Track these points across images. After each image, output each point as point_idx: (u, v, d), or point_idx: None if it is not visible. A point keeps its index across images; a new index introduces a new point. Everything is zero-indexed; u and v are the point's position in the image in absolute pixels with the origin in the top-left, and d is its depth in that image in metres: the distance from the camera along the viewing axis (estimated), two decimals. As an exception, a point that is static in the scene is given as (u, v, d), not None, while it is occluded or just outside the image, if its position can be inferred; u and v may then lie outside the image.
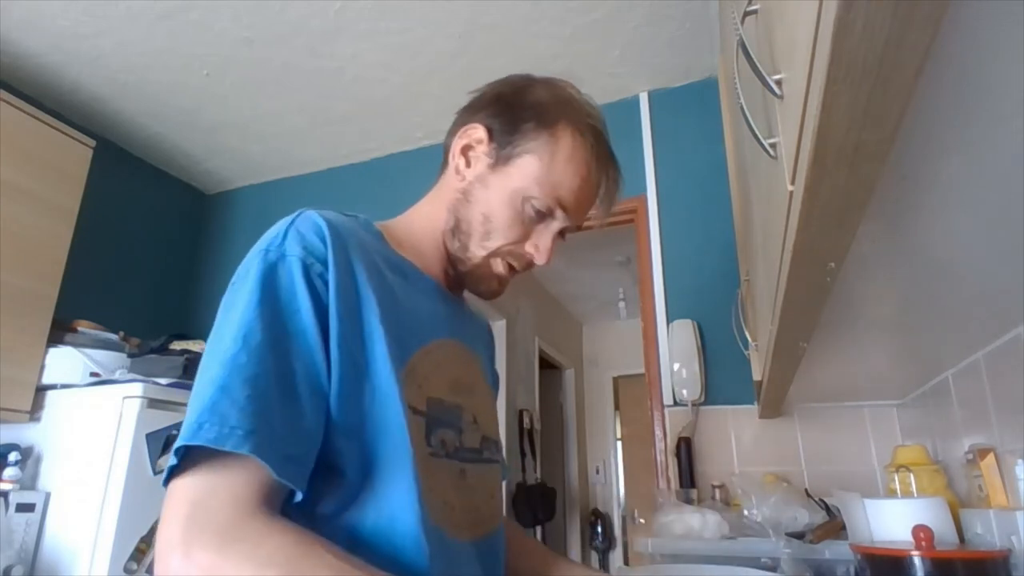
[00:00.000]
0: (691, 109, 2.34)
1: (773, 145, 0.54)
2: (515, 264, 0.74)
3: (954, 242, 0.68)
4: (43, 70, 2.32)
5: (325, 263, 0.61)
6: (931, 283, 0.79)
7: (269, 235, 0.63)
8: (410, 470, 0.59)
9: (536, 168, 0.71)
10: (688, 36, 2.16)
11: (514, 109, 0.74)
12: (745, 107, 0.59)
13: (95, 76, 2.35)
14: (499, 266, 0.74)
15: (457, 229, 0.74)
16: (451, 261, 0.76)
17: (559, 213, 0.72)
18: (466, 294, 0.84)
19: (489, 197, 0.72)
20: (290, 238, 0.61)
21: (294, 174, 3.07)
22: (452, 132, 0.78)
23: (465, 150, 0.76)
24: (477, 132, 0.74)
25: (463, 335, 0.78)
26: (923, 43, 0.31)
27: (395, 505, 0.58)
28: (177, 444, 0.50)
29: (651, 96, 2.44)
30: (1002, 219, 0.61)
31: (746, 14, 0.57)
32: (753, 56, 0.49)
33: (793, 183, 0.48)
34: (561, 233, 0.75)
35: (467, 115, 0.78)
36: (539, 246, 0.73)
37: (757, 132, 0.55)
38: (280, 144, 2.83)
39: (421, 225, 0.78)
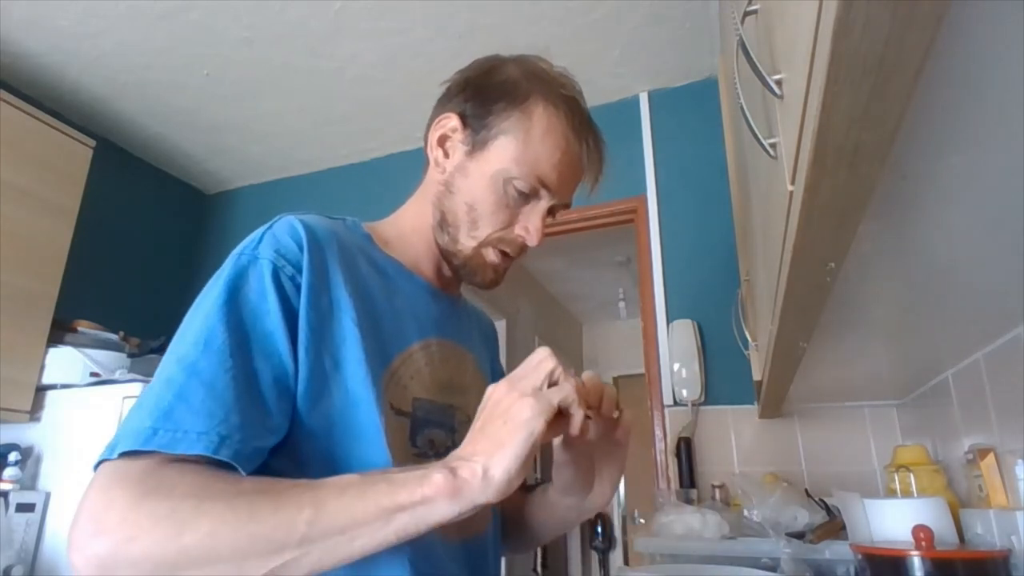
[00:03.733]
0: (691, 109, 2.34)
1: (773, 145, 0.54)
2: (508, 250, 0.73)
3: (954, 242, 0.68)
4: (43, 70, 2.32)
5: (298, 266, 0.61)
6: (931, 283, 0.79)
7: (246, 240, 0.63)
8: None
9: (513, 148, 0.69)
10: (688, 36, 2.16)
11: (484, 91, 0.72)
12: (745, 107, 0.59)
13: (95, 76, 2.35)
14: (491, 255, 0.72)
15: (444, 222, 0.73)
16: (443, 256, 0.75)
17: (543, 191, 0.70)
18: (463, 288, 0.84)
19: (471, 185, 0.71)
20: (265, 242, 0.61)
21: (294, 174, 3.07)
22: (428, 126, 0.77)
23: (442, 141, 0.74)
24: (451, 121, 0.73)
25: (456, 334, 0.77)
26: (923, 43, 0.31)
27: None
28: (127, 447, 0.49)
29: (651, 96, 2.44)
30: (1002, 219, 0.61)
31: (746, 14, 0.57)
32: (753, 56, 0.49)
33: (793, 183, 0.48)
34: (551, 212, 0.73)
35: (440, 106, 0.76)
36: (529, 227, 0.71)
37: (757, 132, 0.55)
38: (280, 144, 2.83)
39: (410, 224, 0.77)
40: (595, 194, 0.77)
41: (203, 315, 0.57)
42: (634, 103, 2.45)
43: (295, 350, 0.58)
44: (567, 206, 0.75)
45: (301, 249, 0.62)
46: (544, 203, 0.71)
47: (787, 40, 0.44)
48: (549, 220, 0.74)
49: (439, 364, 0.72)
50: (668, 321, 2.14)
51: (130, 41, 2.17)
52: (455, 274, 0.76)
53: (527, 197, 0.71)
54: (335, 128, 2.70)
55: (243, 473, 0.51)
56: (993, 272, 0.74)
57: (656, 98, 2.43)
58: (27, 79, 2.36)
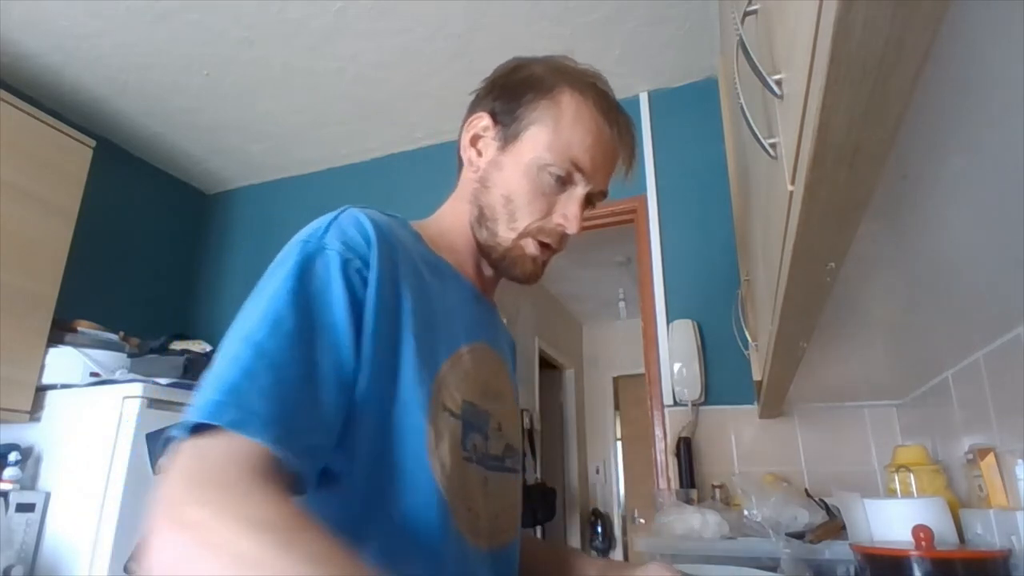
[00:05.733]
0: (691, 109, 2.34)
1: (773, 145, 0.54)
2: (548, 240, 0.73)
3: (954, 242, 0.68)
4: (43, 70, 2.32)
5: (366, 261, 0.60)
6: (931, 283, 0.79)
7: (310, 227, 0.61)
8: (429, 474, 0.58)
9: (544, 135, 0.70)
10: (688, 36, 2.16)
11: (511, 87, 0.74)
12: (745, 107, 0.59)
13: (95, 76, 2.35)
14: (531, 246, 0.72)
15: (482, 217, 0.73)
16: (483, 251, 0.75)
17: (577, 176, 0.71)
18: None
19: (506, 177, 0.71)
20: (331, 232, 0.60)
21: (294, 174, 3.07)
22: (460, 130, 0.78)
23: (474, 140, 0.75)
24: (482, 120, 0.74)
25: (493, 340, 0.77)
26: (923, 43, 0.31)
27: (413, 510, 0.57)
28: (194, 419, 0.47)
29: (651, 96, 2.44)
30: (1002, 219, 0.61)
31: (746, 14, 0.57)
32: (753, 56, 0.49)
33: (793, 183, 0.48)
34: (589, 200, 0.73)
35: (470, 111, 0.78)
36: (567, 214, 0.71)
37: (757, 132, 0.55)
38: (280, 144, 2.83)
39: (451, 224, 0.76)
40: (631, 178, 0.77)
41: (269, 299, 0.54)
42: (634, 103, 2.44)
43: (358, 345, 0.57)
44: (604, 194, 0.75)
45: (369, 245, 0.61)
46: (580, 189, 0.72)
47: (787, 40, 0.44)
48: (588, 210, 0.74)
49: (482, 368, 0.71)
50: (668, 321, 2.14)
51: (130, 41, 2.17)
52: (495, 268, 0.76)
53: (563, 184, 0.71)
54: (335, 128, 2.70)
55: (298, 468, 0.50)
56: (993, 272, 0.74)
57: (656, 98, 2.43)
58: (27, 79, 2.35)
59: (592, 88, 0.73)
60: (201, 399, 0.49)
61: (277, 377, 0.51)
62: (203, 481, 0.45)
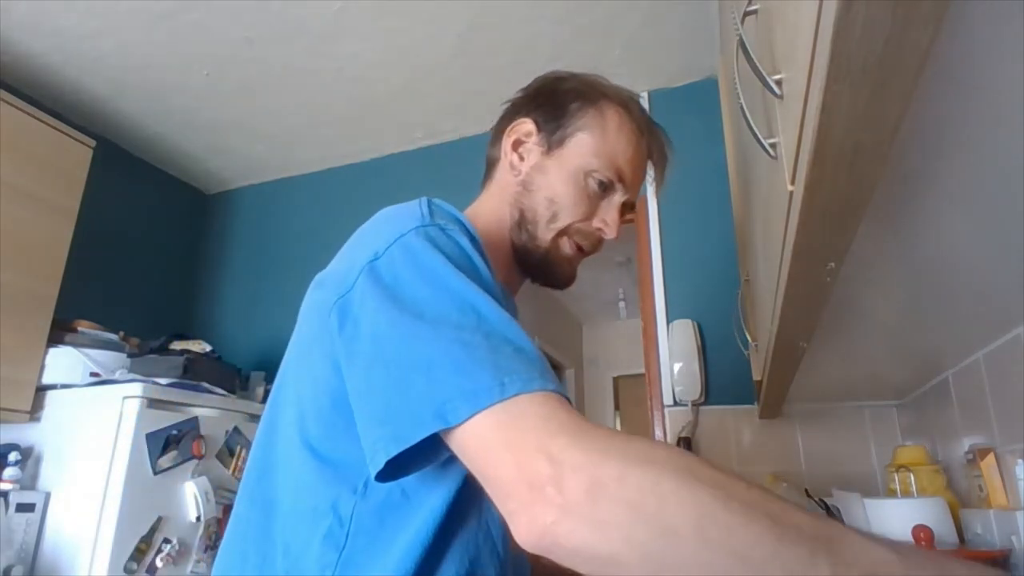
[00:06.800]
0: (691, 109, 2.34)
1: (773, 145, 0.54)
2: (584, 244, 0.75)
3: (954, 242, 0.68)
4: (43, 70, 2.32)
5: (476, 242, 0.58)
6: (931, 283, 0.79)
7: (404, 216, 0.57)
8: None
9: (591, 142, 0.73)
10: (688, 36, 2.16)
11: (555, 97, 0.76)
12: (745, 107, 0.59)
13: (95, 76, 2.35)
14: (567, 246, 0.74)
15: (523, 220, 0.74)
16: (521, 254, 0.75)
17: (618, 184, 0.73)
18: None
19: (550, 181, 0.73)
20: (437, 215, 0.58)
21: (294, 174, 3.07)
22: (497, 136, 0.79)
23: (516, 145, 0.77)
24: (525, 125, 0.76)
25: None
26: (923, 43, 0.31)
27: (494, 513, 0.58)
28: (526, 388, 0.43)
29: (651, 96, 2.44)
30: (1002, 219, 0.61)
31: (746, 14, 0.57)
32: (753, 56, 0.49)
33: (793, 183, 0.48)
34: (621, 209, 0.75)
35: (507, 119, 0.79)
36: (607, 220, 0.73)
37: (757, 132, 0.55)
38: (280, 144, 2.82)
39: (485, 224, 0.74)
40: (662, 193, 0.80)
41: (442, 285, 0.50)
42: (634, 103, 2.44)
43: None
44: (633, 206, 0.77)
45: (468, 232, 0.59)
46: (619, 197, 0.74)
47: (787, 40, 0.44)
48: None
49: None
50: (668, 321, 2.13)
51: (130, 41, 2.17)
52: (532, 272, 0.77)
53: (605, 189, 0.73)
54: (335, 128, 2.70)
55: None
56: (993, 272, 0.74)
57: (656, 98, 2.43)
58: (27, 79, 2.35)
59: (633, 103, 0.76)
60: (468, 388, 0.43)
61: (523, 344, 0.48)
62: (558, 431, 0.41)
